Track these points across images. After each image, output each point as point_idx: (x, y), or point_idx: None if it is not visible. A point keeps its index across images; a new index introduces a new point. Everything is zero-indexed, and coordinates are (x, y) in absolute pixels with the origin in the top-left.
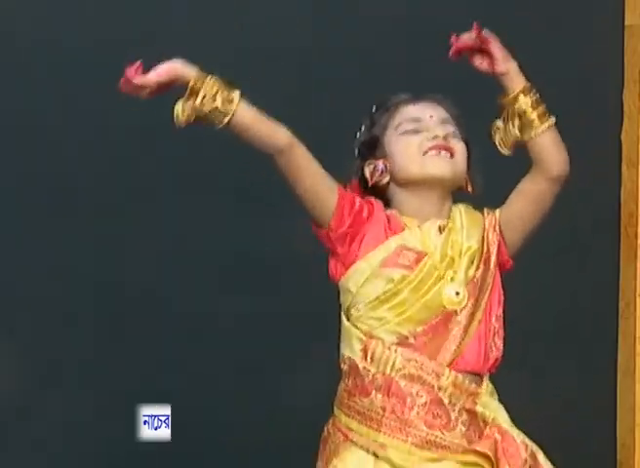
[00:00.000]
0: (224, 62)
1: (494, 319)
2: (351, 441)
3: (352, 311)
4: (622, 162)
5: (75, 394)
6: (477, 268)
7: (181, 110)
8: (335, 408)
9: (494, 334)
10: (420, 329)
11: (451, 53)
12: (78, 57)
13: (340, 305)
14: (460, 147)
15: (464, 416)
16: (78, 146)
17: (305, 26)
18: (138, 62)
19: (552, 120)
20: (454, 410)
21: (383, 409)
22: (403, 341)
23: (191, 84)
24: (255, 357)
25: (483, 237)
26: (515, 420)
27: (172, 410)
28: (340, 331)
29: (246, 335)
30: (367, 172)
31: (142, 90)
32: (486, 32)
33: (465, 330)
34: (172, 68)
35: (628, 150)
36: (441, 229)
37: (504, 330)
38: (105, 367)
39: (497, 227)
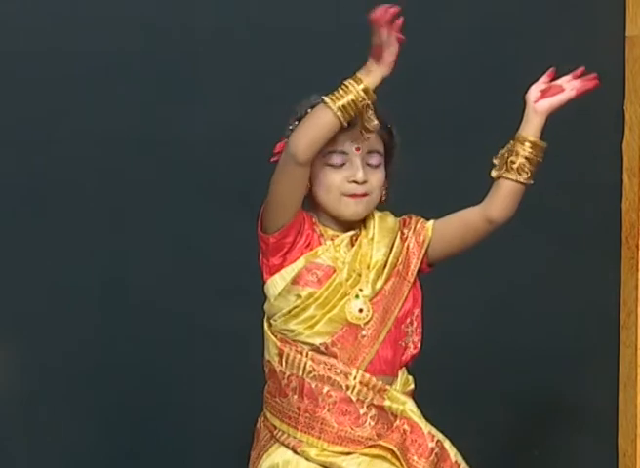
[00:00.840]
0: (229, 63)
1: (408, 321)
2: (276, 438)
3: (271, 321)
4: (624, 172)
5: (75, 396)
6: (386, 280)
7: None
8: (263, 406)
9: (409, 335)
10: (328, 340)
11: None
12: (75, 60)
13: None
14: (376, 180)
15: (373, 412)
16: (80, 148)
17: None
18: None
19: (529, 182)
20: (362, 407)
21: (298, 409)
22: (316, 349)
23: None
24: (254, 361)
25: (399, 248)
26: (517, 429)
27: (172, 413)
28: None
29: (246, 341)
30: None
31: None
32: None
33: (374, 338)
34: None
35: (630, 161)
36: (353, 241)
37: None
38: (106, 368)
39: (421, 238)
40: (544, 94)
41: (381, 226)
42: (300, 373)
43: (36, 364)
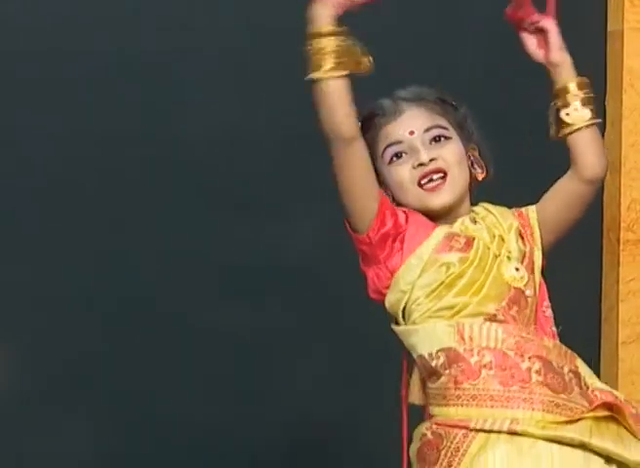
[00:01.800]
0: (229, 63)
1: (545, 304)
2: (476, 429)
3: (413, 307)
4: None
5: (75, 396)
6: (525, 244)
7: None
8: (433, 409)
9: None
10: (503, 303)
11: (507, 18)
12: (75, 60)
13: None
14: (449, 153)
15: (575, 378)
16: (80, 148)
17: None
18: None
19: (596, 120)
20: (564, 373)
21: (502, 384)
22: (492, 319)
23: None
24: (255, 361)
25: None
26: None
27: (172, 413)
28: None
29: (246, 341)
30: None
31: None
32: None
33: (534, 306)
34: None
35: (611, 156)
36: (473, 221)
37: None
38: (106, 368)
39: (532, 223)
40: (544, 46)
41: (496, 208)
42: (493, 344)
43: (36, 364)
